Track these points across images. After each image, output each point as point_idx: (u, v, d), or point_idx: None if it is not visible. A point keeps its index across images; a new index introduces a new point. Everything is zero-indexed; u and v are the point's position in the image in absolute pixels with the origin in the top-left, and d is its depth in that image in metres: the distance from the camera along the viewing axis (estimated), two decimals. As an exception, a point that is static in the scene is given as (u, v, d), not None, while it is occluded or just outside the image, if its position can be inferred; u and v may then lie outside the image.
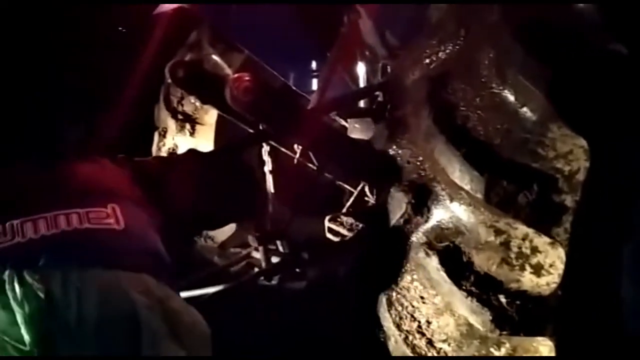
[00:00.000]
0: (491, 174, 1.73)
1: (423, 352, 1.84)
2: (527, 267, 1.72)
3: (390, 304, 1.90)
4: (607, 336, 1.81)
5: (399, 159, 2.01)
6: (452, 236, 1.80)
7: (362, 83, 3.00)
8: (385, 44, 2.70)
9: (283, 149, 2.80)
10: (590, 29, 1.76)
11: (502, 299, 1.72)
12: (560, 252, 1.70)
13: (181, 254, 1.98)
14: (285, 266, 2.61)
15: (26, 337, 1.38)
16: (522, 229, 1.71)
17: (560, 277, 1.71)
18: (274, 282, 2.56)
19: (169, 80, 2.52)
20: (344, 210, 2.66)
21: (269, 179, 2.76)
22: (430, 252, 1.80)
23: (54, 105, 2.00)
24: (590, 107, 1.71)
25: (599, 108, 1.72)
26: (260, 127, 2.45)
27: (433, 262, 1.79)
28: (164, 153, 3.18)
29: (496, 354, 1.76)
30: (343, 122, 2.71)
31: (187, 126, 3.15)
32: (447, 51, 2.00)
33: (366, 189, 2.65)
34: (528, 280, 1.72)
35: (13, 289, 1.40)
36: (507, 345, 1.75)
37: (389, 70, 2.58)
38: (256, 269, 2.75)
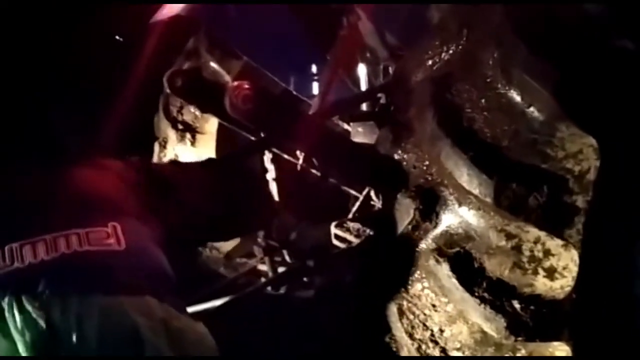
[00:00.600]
0: (500, 177, 1.70)
1: (437, 362, 1.82)
2: (540, 271, 1.69)
3: (401, 312, 1.87)
4: (623, 338, 1.78)
5: (404, 163, 1.98)
6: (462, 242, 1.77)
7: (363, 86, 2.98)
8: (386, 45, 2.68)
9: (286, 156, 2.77)
10: (596, 25, 1.72)
11: (516, 305, 1.69)
12: (574, 254, 1.67)
13: (186, 266, 1.96)
14: (291, 275, 2.59)
15: None
16: (533, 232, 1.68)
17: (574, 280, 1.68)
18: (281, 291, 2.54)
19: (168, 90, 2.50)
20: (350, 215, 2.63)
21: (273, 187, 2.74)
22: (440, 259, 1.77)
23: (54, 106, 1.99)
24: (598, 105, 1.68)
25: (607, 106, 1.69)
26: (262, 135, 2.42)
27: (444, 269, 1.76)
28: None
29: (512, 360, 1.73)
30: (346, 126, 2.69)
31: (188, 136, 3.12)
32: (451, 52, 1.97)
33: (372, 193, 2.62)
34: (541, 284, 1.69)
35: (13, 317, 1.39)
36: (523, 351, 1.73)
37: (390, 71, 2.55)
38: (263, 279, 2.73)
